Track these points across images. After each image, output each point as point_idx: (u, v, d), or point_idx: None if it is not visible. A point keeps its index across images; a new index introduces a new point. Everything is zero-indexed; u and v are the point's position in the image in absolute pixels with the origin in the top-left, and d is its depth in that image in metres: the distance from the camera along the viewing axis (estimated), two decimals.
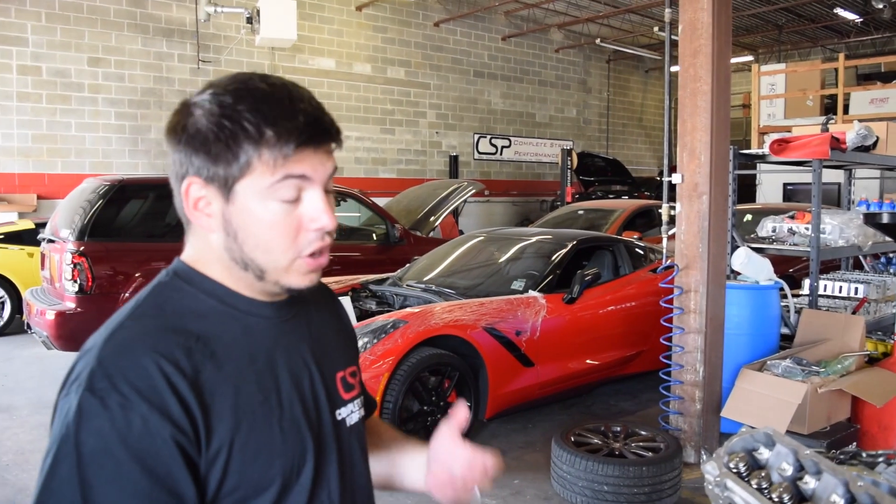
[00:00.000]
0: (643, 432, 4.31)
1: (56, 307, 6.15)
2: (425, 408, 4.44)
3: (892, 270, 7.11)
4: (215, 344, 0.99)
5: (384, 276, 6.05)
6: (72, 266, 6.06)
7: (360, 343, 4.29)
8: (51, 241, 6.65)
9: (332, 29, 14.31)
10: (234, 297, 1.04)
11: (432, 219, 8.58)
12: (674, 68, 5.53)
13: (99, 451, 0.87)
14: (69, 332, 6.09)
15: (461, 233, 9.91)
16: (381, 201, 9.36)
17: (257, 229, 0.99)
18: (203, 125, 0.97)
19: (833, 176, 9.75)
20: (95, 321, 5.57)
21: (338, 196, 8.45)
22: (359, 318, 5.08)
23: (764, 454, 1.37)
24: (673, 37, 5.21)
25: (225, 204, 0.99)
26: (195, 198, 1.00)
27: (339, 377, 1.17)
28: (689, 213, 4.62)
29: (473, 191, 9.04)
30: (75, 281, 6.06)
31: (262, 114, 0.96)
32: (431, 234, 8.85)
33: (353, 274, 6.32)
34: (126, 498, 0.87)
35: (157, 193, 7.19)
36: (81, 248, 6.11)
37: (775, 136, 5.62)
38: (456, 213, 12.69)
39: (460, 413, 1.21)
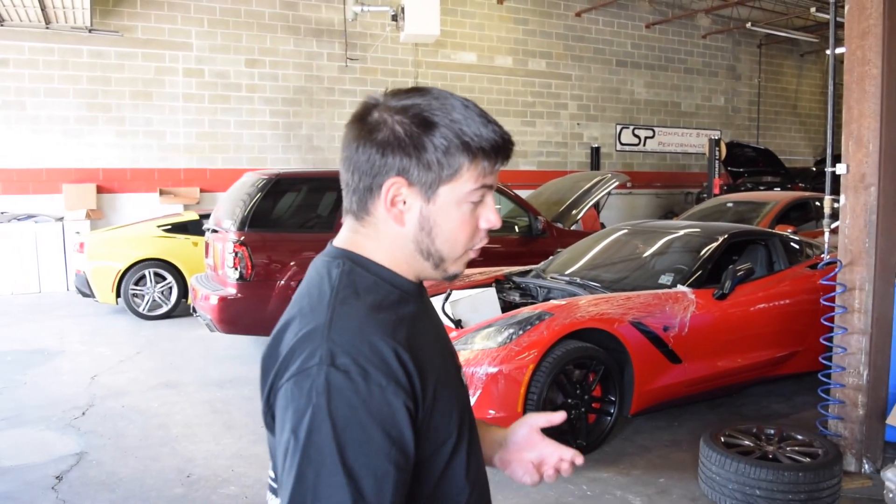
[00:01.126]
0: (799, 436, 4.10)
1: (219, 292, 6.60)
2: (570, 401, 4.42)
3: None
4: (406, 323, 1.11)
5: (527, 268, 6.07)
6: (233, 254, 6.48)
7: (505, 334, 4.33)
8: (214, 231, 7.13)
9: (473, 23, 14.44)
10: (399, 280, 1.16)
11: (574, 211, 8.50)
12: (838, 51, 5.21)
13: (349, 418, 0.99)
14: (231, 315, 6.51)
15: (603, 226, 9.75)
16: (521, 194, 9.39)
17: (451, 226, 1.14)
18: (415, 134, 1.09)
19: None
20: (255, 306, 5.95)
21: None
22: (503, 310, 5.13)
23: None
24: (837, 18, 4.90)
25: (425, 203, 1.12)
26: (394, 195, 1.11)
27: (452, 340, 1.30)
28: (855, 205, 4.34)
29: (617, 183, 8.87)
30: (236, 268, 6.47)
31: (475, 131, 1.10)
32: (573, 227, 8.77)
33: (495, 265, 6.37)
34: (372, 457, 1.00)
35: (309, 187, 7.56)
36: (242, 238, 6.51)
37: None
38: (598, 206, 12.51)
39: (556, 416, 1.37)
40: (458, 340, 4.43)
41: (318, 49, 13.15)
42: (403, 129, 1.09)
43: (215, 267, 7.05)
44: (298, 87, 13.01)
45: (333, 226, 6.99)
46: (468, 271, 5.96)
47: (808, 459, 3.84)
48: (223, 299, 6.49)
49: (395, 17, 12.50)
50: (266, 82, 12.74)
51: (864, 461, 4.43)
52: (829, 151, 4.62)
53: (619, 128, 16.29)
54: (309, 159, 13.04)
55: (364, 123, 1.12)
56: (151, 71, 11.86)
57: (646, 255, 5.78)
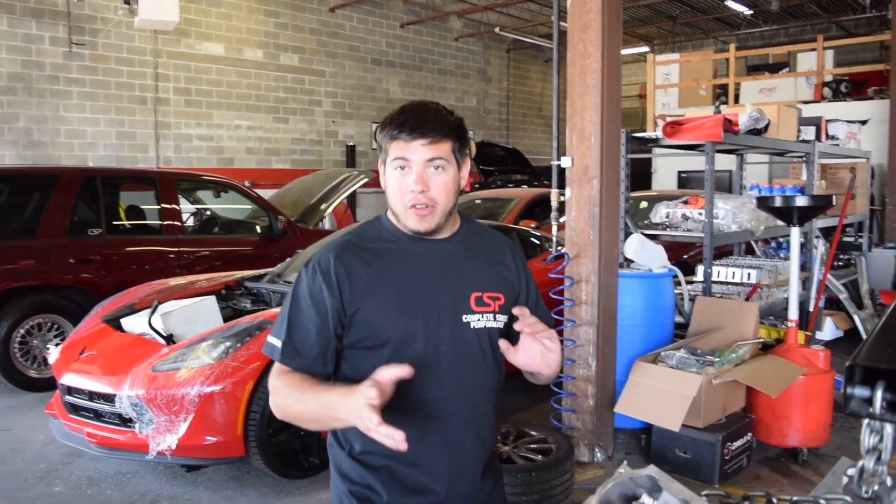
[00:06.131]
0: (534, 433, 4.03)
1: None
2: None
3: (782, 255, 7.15)
4: (377, 254, 1.70)
5: (262, 272, 5.58)
6: None
7: (221, 348, 3.84)
8: None
9: (220, 12, 13.56)
10: (396, 231, 1.72)
11: (322, 207, 8.12)
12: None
13: (300, 295, 1.68)
14: None
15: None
16: (274, 193, 8.87)
17: (389, 186, 1.67)
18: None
19: (725, 163, 9.79)
20: None
21: (217, 187, 7.88)
22: (231, 318, 4.61)
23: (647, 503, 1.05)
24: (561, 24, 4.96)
25: (384, 170, 1.69)
26: (379, 165, 1.71)
27: (475, 296, 1.73)
28: (579, 198, 4.37)
29: (365, 180, 8.62)
30: None
31: (390, 122, 1.66)
32: (326, 226, 8.40)
33: (235, 270, 5.83)
34: (304, 320, 1.66)
35: (11, 186, 6.48)
36: None
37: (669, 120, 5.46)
38: (353, 205, 12.25)
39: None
40: (168, 358, 3.87)
41: (39, 31, 11.61)
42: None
43: None
44: (14, 74, 11.39)
45: (36, 232, 6.03)
46: (192, 277, 5.37)
47: (541, 457, 3.76)
48: None
49: (128, 1, 11.41)
50: None
51: (597, 450, 4.49)
52: (555, 145, 4.63)
53: (374, 126, 16.15)
54: (28, 156, 11.47)
55: None
56: None
57: None
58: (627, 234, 5.06)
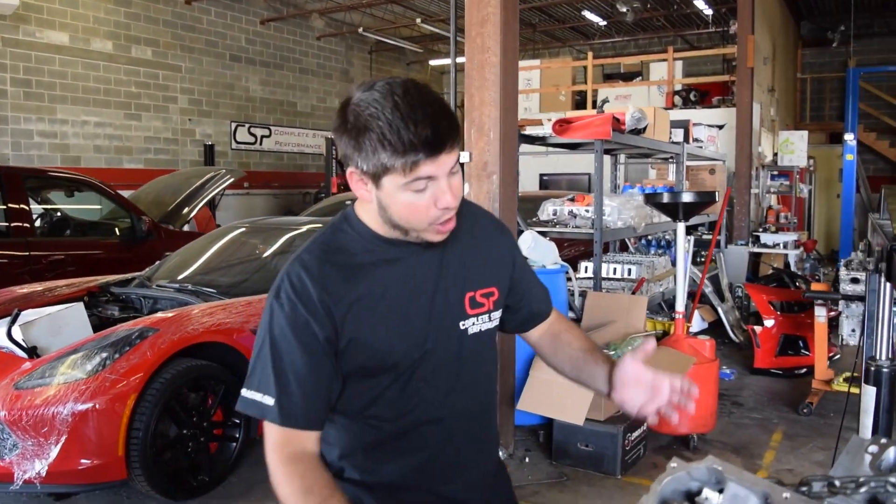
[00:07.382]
0: None
1: None
2: (186, 432, 3.68)
3: (652, 251, 7.43)
4: (359, 270, 1.44)
5: (129, 276, 5.11)
6: None
7: (97, 359, 3.43)
8: None
9: None
10: (379, 239, 1.47)
11: (186, 210, 7.61)
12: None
13: (280, 335, 1.39)
14: None
15: (219, 227, 8.99)
16: (126, 195, 8.21)
17: (399, 208, 1.38)
18: (355, 133, 1.34)
19: (583, 166, 10.13)
20: None
21: (72, 185, 7.22)
22: (98, 328, 4.17)
23: (712, 499, 0.93)
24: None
25: (376, 189, 1.38)
26: (357, 180, 1.40)
27: (469, 297, 1.53)
28: (479, 194, 4.29)
29: (232, 179, 8.18)
30: None
31: (396, 134, 1.30)
32: (186, 228, 7.89)
33: (92, 275, 5.31)
34: (295, 363, 1.38)
35: None
36: None
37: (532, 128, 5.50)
38: (213, 206, 11.66)
39: (648, 344, 1.55)
40: (34, 374, 3.42)
41: None
42: (350, 129, 1.34)
43: None
44: None
45: None
46: (50, 284, 4.84)
47: None
48: None
49: None
50: None
51: (499, 448, 4.41)
52: None
53: (234, 125, 15.47)
54: None
55: (338, 117, 1.38)
56: None
57: (266, 254, 5.24)
58: (519, 232, 5.03)
